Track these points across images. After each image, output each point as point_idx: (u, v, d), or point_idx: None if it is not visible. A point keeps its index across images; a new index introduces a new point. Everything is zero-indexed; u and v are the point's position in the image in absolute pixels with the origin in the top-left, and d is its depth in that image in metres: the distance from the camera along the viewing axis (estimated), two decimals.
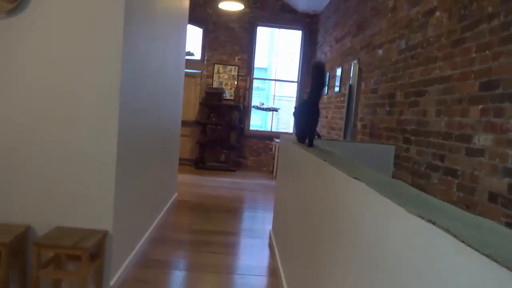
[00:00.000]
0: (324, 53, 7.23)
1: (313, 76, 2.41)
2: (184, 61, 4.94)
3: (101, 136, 2.36)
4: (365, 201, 1.19)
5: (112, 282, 2.48)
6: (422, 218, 0.80)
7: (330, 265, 1.54)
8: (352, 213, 1.31)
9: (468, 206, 2.44)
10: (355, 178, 1.27)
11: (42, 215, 2.38)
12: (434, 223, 0.76)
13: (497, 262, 0.57)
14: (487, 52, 2.41)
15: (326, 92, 6.70)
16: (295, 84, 8.52)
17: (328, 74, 6.62)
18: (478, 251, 0.61)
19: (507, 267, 0.54)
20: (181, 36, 4.45)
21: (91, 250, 2.17)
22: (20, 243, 2.27)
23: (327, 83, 2.97)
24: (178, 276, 2.94)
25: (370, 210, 1.14)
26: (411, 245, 0.86)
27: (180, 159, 5.42)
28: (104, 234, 2.36)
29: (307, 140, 2.50)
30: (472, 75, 2.53)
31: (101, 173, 2.38)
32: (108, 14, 2.30)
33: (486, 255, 0.59)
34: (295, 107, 2.79)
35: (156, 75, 3.31)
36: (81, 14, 2.30)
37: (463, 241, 0.66)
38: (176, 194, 5.05)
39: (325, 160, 1.74)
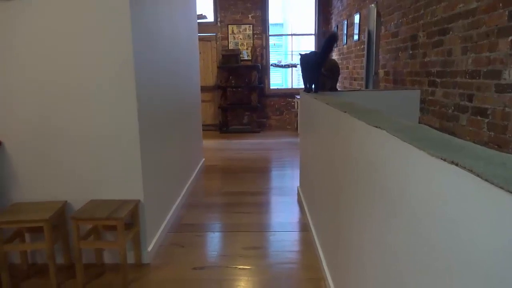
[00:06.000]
0: (340, 0, 6.90)
1: (325, 42, 2.95)
2: (197, 25, 4.84)
3: (121, 111, 2.39)
4: (386, 149, 1.16)
5: (150, 248, 2.60)
6: (444, 160, 0.77)
7: (352, 215, 1.54)
8: (374, 162, 1.28)
9: (500, 146, 2.35)
10: (376, 127, 1.23)
11: (77, 191, 2.48)
12: (457, 164, 0.73)
13: None
14: None
15: (345, 41, 6.46)
16: (313, 37, 8.24)
17: (346, 22, 6.35)
18: (502, 188, 0.58)
19: None
20: None
21: (125, 219, 2.26)
22: (60, 218, 2.39)
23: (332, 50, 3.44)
24: (212, 237, 3.05)
25: (391, 157, 1.11)
26: (434, 189, 0.83)
27: (203, 125, 5.45)
28: (136, 204, 2.44)
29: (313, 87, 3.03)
30: (500, 4, 2.35)
31: (126, 146, 2.43)
32: None
33: (510, 192, 0.56)
34: (301, 56, 3.06)
35: (168, 42, 3.27)
36: None
37: (486, 180, 0.63)
38: (203, 159, 5.14)
39: (345, 111, 1.69)
